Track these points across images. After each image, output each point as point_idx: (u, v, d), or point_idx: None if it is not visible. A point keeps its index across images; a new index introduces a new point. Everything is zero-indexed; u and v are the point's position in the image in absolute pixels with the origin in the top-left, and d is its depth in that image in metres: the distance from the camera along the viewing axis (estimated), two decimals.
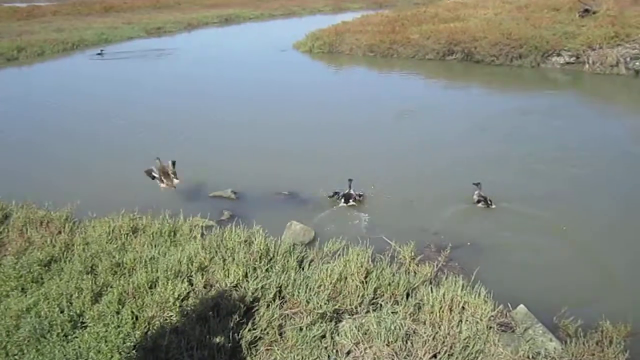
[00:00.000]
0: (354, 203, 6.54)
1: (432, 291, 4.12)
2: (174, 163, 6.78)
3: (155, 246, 4.87)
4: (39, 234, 5.34)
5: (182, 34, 26.74)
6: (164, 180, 6.67)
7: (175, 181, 6.70)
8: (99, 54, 20.12)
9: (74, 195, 6.39)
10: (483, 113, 10.58)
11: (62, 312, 3.87)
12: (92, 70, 17.17)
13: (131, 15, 34.29)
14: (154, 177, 6.75)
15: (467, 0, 29.33)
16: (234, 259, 4.45)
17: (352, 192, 6.58)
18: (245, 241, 4.85)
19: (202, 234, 5.27)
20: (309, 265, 4.72)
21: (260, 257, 4.54)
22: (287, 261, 4.61)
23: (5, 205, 6.16)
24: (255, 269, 4.35)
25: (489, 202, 6.53)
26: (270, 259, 4.60)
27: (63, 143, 9.43)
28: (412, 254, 5.13)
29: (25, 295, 4.28)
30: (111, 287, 4.16)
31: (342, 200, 6.54)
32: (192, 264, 4.37)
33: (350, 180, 6.67)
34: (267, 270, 4.36)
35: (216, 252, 4.59)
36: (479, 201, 6.60)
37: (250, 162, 8.07)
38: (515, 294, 4.44)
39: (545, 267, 5.23)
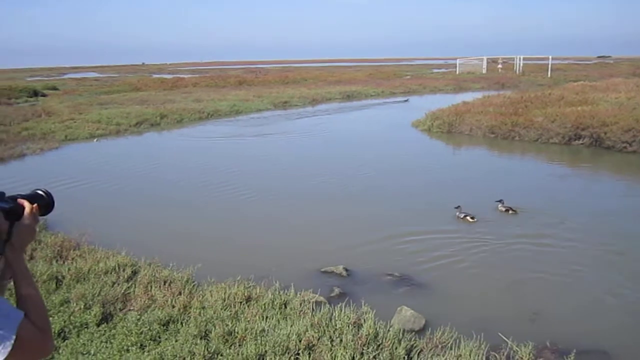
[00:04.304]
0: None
1: None
2: None
3: (266, 318, 4.96)
4: (161, 293, 5.67)
5: (307, 108, 28.11)
6: None
7: None
8: (405, 100, 29.38)
9: (197, 257, 6.79)
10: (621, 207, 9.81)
11: None
12: (223, 140, 18.53)
13: (261, 88, 36.97)
14: None
15: (597, 83, 28.22)
16: (341, 340, 4.40)
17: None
18: (354, 323, 4.79)
19: (312, 310, 5.28)
20: (418, 355, 4.53)
21: (368, 342, 4.44)
22: (395, 349, 4.46)
23: (135, 262, 6.67)
24: (362, 354, 4.25)
25: (514, 210, 8.97)
26: (379, 345, 4.48)
27: (187, 209, 10.12)
28: (531, 355, 4.75)
29: (143, 353, 4.52)
30: (221, 355, 4.28)
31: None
32: (300, 341, 4.37)
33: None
34: (374, 357, 4.25)
35: (324, 331, 4.57)
36: (507, 210, 9.02)
37: (363, 239, 8.07)
38: None
39: None
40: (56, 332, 4.88)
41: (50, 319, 5.04)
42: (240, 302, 5.40)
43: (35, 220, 1.51)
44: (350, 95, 33.60)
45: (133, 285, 5.96)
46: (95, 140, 18.34)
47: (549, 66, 48.59)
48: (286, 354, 4.16)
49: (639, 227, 8.56)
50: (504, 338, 5.06)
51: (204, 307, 5.32)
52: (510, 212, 9.00)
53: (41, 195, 1.56)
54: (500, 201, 9.21)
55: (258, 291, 5.70)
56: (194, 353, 4.29)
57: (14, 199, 1.48)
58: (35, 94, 34.21)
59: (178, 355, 4.30)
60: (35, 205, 1.51)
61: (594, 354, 5.00)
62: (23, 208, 1.47)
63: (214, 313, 5.11)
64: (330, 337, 4.49)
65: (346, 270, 6.84)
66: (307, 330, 4.54)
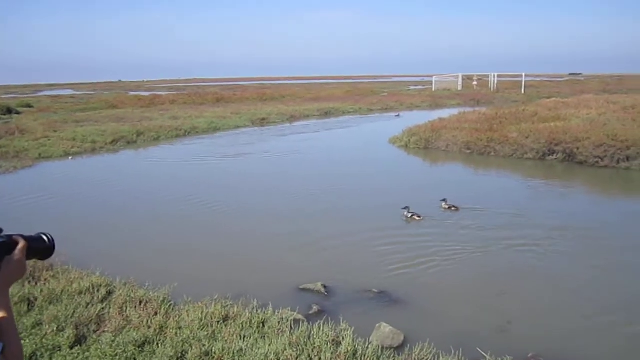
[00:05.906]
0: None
1: None
2: None
3: (244, 337, 4.90)
4: (137, 314, 5.57)
5: (285, 125, 28.15)
6: None
7: None
8: (397, 115, 30.46)
9: (174, 276, 6.70)
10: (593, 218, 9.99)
11: None
12: (195, 161, 18.43)
13: (239, 106, 36.97)
14: None
15: (569, 100, 28.89)
16: (320, 359, 4.37)
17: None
18: (333, 340, 4.76)
19: (291, 328, 5.24)
20: None
21: None
22: None
23: (110, 282, 6.55)
24: None
25: (455, 207, 10.09)
26: None
27: (164, 225, 10.01)
28: None
29: None
30: None
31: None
32: None
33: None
34: None
35: (303, 349, 4.54)
36: (449, 207, 10.10)
37: (341, 255, 8.08)
38: None
39: None
40: (28, 355, 4.74)
41: (22, 342, 4.92)
42: (218, 322, 5.33)
43: (24, 257, 1.49)
44: (328, 112, 33.77)
45: (108, 306, 5.84)
46: (70, 158, 18.07)
47: (523, 83, 49.61)
48: None
49: (607, 232, 8.73)
50: (482, 353, 5.09)
51: (180, 327, 5.24)
52: (453, 209, 10.15)
53: (43, 239, 1.58)
54: (444, 200, 10.33)
55: (236, 310, 5.64)
56: None
57: (9, 236, 1.48)
58: (9, 111, 33.60)
59: None
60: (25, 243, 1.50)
61: None
62: (17, 244, 1.47)
63: (191, 333, 5.03)
64: (309, 355, 4.46)
65: (325, 287, 6.81)
66: (285, 349, 4.50)
